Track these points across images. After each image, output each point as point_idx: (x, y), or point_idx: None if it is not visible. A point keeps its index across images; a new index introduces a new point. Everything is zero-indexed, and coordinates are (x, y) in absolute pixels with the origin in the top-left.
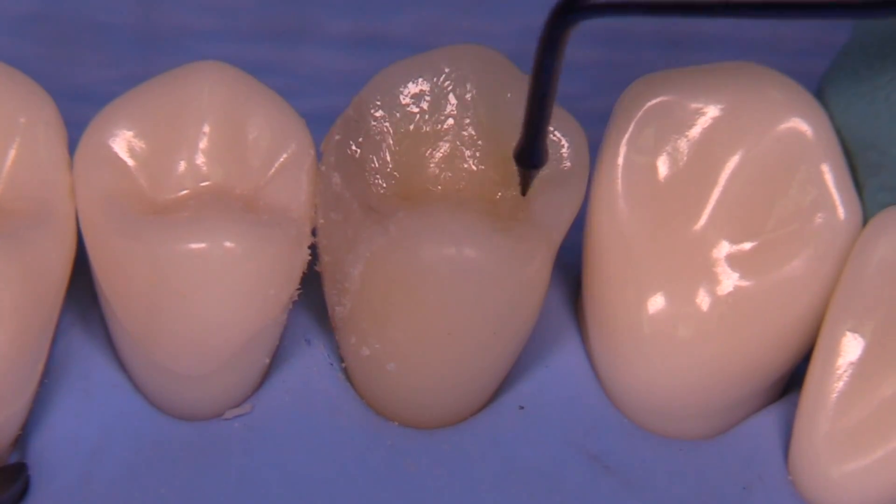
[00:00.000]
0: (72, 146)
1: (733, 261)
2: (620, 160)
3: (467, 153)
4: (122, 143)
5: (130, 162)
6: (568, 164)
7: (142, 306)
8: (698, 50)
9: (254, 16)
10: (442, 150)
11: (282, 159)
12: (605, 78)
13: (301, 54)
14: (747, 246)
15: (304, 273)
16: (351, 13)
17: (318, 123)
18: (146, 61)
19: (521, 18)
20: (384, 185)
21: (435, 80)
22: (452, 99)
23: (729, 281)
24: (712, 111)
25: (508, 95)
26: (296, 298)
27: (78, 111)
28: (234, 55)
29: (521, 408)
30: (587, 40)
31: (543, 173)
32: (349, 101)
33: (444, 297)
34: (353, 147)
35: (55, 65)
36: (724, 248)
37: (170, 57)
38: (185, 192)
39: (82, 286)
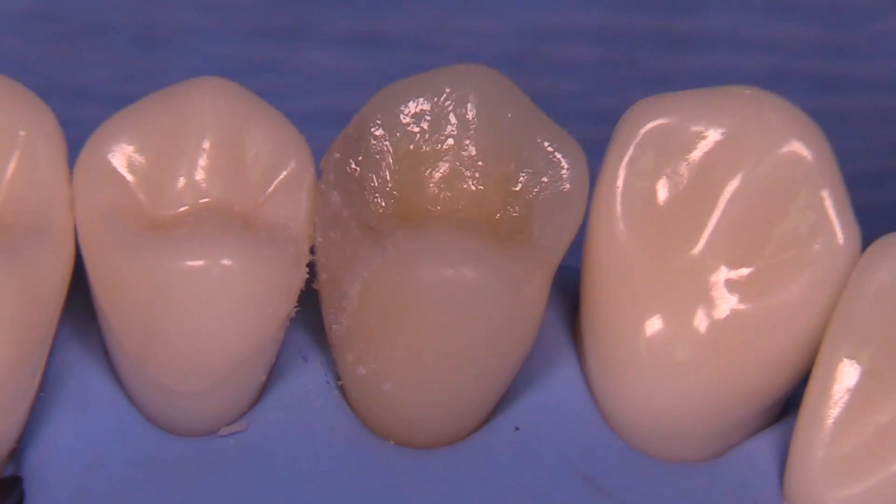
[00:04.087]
0: (71, 145)
1: (731, 285)
2: (620, 183)
3: (467, 173)
4: (122, 158)
5: (130, 177)
6: (567, 185)
7: (139, 322)
8: (698, 49)
9: (253, 15)
10: (442, 170)
11: (281, 177)
12: (605, 78)
13: (300, 53)
14: (746, 270)
15: (301, 291)
16: (350, 12)
17: (318, 122)
18: (146, 60)
19: (521, 17)
20: (383, 204)
21: (436, 99)
22: (453, 119)
23: (727, 305)
24: (712, 135)
25: (509, 116)
26: (293, 316)
27: (78, 110)
28: (234, 54)
29: (517, 429)
30: (587, 40)
31: (543, 194)
32: (349, 99)
33: (442, 318)
34: (353, 165)
35: (55, 64)
36: (722, 272)
37: (170, 56)
38: (184, 208)
39: (80, 300)
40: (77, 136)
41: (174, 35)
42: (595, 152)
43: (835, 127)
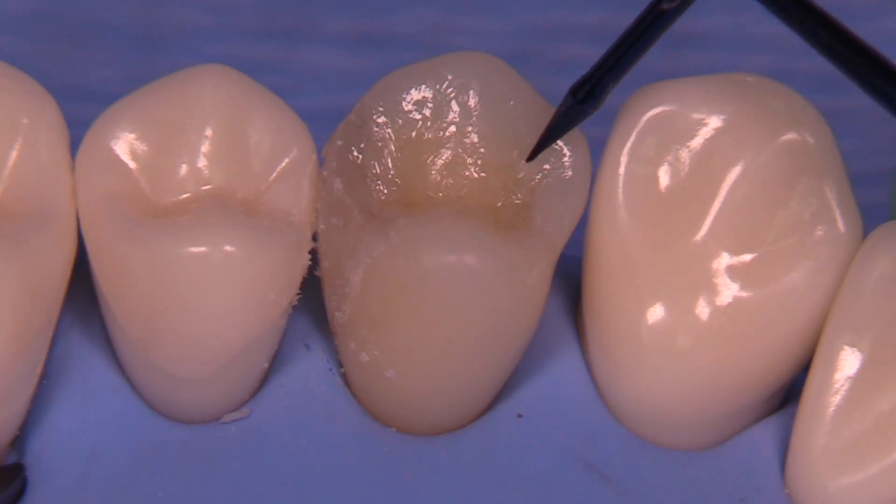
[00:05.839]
0: (72, 145)
1: (733, 272)
2: (622, 170)
3: (469, 160)
4: (124, 146)
5: (132, 164)
6: (570, 172)
7: (141, 309)
8: (698, 49)
9: (254, 14)
10: (444, 157)
11: (283, 164)
12: None
13: (301, 53)
14: (747, 257)
15: (304, 278)
16: (351, 12)
17: (319, 122)
18: (146, 60)
19: (521, 17)
20: (385, 191)
21: (438, 86)
22: (455, 106)
23: (728, 292)
24: (714, 122)
25: (511, 103)
26: (295, 303)
27: (78, 110)
28: (234, 54)
29: (520, 415)
30: (587, 40)
31: (545, 182)
32: (349, 99)
33: (444, 305)
34: (355, 153)
35: (55, 64)
36: (724, 259)
37: (170, 56)
38: (186, 195)
39: (82, 288)
40: (77, 135)
41: (174, 35)
42: (595, 151)
43: (835, 126)
